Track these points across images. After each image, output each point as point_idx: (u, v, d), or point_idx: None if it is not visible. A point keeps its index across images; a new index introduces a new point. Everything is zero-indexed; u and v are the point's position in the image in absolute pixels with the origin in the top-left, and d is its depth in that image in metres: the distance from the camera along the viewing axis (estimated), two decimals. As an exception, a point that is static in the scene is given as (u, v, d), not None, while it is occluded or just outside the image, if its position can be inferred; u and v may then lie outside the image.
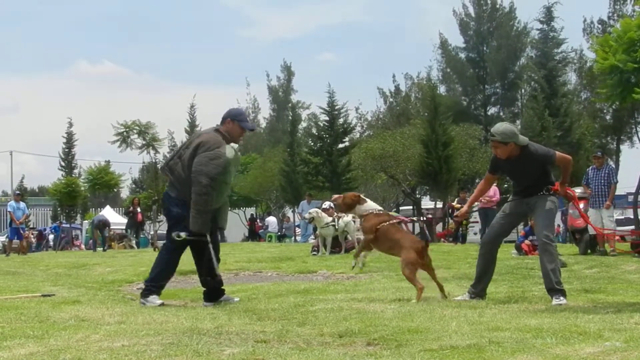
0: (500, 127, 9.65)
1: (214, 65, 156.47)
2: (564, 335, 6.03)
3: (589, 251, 19.09)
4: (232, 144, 10.08)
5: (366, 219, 10.14)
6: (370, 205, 10.36)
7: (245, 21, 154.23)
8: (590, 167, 19.85)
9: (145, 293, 9.87)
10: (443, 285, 9.93)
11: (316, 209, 21.96)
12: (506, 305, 8.71)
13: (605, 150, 48.09)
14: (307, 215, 21.19)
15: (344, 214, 22.12)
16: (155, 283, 9.99)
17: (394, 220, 10.19)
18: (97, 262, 19.75)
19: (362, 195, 10.57)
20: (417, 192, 64.16)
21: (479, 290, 9.73)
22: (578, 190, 18.83)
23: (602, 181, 19.00)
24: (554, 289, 9.26)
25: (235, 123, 10.15)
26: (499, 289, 10.58)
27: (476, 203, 26.37)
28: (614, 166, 38.32)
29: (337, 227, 21.16)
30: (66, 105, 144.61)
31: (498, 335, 6.09)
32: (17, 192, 39.79)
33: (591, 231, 18.86)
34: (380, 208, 10.52)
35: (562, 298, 9.16)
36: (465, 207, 11.19)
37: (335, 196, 10.74)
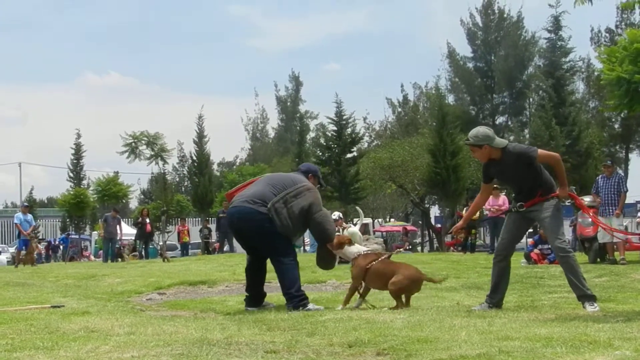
0: (473, 130, 9.77)
1: (222, 76, 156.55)
2: (574, 345, 6.01)
3: (598, 260, 19.04)
4: None
5: (354, 263, 10.23)
6: (356, 248, 10.50)
7: (252, 31, 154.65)
8: (600, 176, 19.80)
9: (304, 303, 10.20)
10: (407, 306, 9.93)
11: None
12: (516, 314, 8.69)
13: (614, 159, 48.03)
14: None
15: (350, 225, 22.12)
16: (302, 291, 10.44)
17: (384, 257, 10.26)
18: (107, 273, 19.73)
19: (352, 240, 10.81)
20: (425, 202, 64.18)
21: (496, 300, 9.74)
22: (587, 199, 18.80)
23: (612, 190, 18.94)
24: (585, 295, 9.33)
25: (316, 179, 11.08)
26: (508, 298, 10.55)
27: (485, 212, 26.40)
28: (623, 175, 38.28)
29: (341, 237, 21.03)
30: (74, 116, 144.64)
31: (508, 345, 6.08)
32: (25, 203, 39.83)
33: (600, 240, 18.82)
34: (366, 249, 10.75)
35: (595, 304, 9.25)
36: (460, 222, 11.19)
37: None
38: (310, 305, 10.10)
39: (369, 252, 10.52)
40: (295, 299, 10.15)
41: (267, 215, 10.16)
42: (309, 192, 10.40)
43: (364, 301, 10.20)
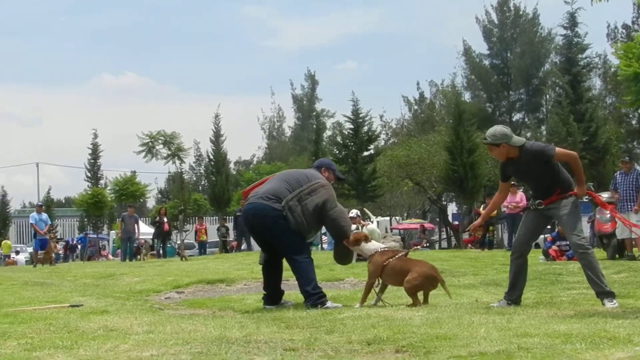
0: (491, 129, 9.79)
1: (238, 75, 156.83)
2: (594, 341, 6.00)
3: (616, 256, 18.99)
4: None
5: (371, 260, 10.27)
6: (374, 245, 10.57)
7: (268, 31, 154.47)
8: (618, 172, 19.74)
9: (322, 300, 10.20)
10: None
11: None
12: (535, 311, 8.67)
13: (631, 155, 47.87)
14: None
15: (368, 222, 22.13)
16: (319, 289, 10.46)
17: (401, 254, 10.30)
18: (125, 272, 19.76)
19: (369, 236, 10.97)
20: (443, 199, 64.12)
21: (515, 297, 9.74)
22: (605, 195, 18.74)
23: (630, 186, 18.87)
24: (604, 291, 9.31)
25: (330, 172, 11.09)
26: (527, 295, 10.52)
27: (503, 209, 26.33)
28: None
29: (359, 234, 21.06)
30: (91, 116, 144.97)
31: (527, 341, 6.06)
32: (39, 203, 39.91)
33: (619, 236, 18.75)
34: (384, 246, 10.76)
35: (614, 300, 9.23)
36: (479, 220, 11.26)
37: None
38: (328, 303, 10.09)
39: (386, 249, 10.54)
40: (314, 297, 10.16)
41: (281, 212, 10.20)
42: (323, 189, 10.44)
43: (381, 299, 10.24)
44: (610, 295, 9.31)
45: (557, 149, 9.65)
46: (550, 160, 9.49)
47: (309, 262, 10.41)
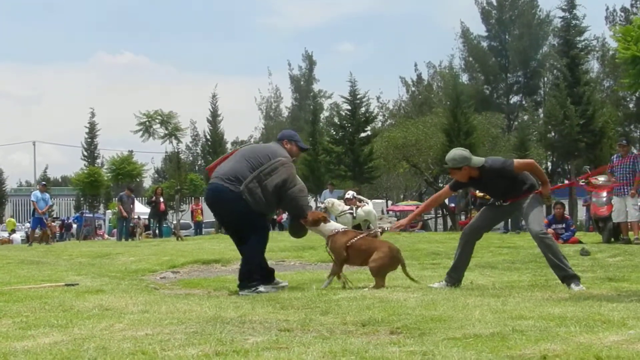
0: (450, 154, 10.13)
1: (236, 55, 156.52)
2: (588, 324, 6.00)
3: (612, 239, 19.02)
4: None
5: (332, 240, 10.37)
6: (333, 225, 10.73)
7: (266, 10, 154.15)
8: (615, 155, 19.71)
9: (254, 285, 10.13)
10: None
11: (332, 199, 21.98)
12: (529, 294, 8.69)
13: (628, 138, 47.91)
14: (321, 205, 21.35)
15: (365, 203, 22.13)
16: (258, 274, 10.35)
17: (362, 234, 10.50)
18: (121, 251, 19.76)
19: (327, 217, 11.08)
20: (439, 181, 64.14)
21: (456, 278, 10.18)
22: (602, 179, 18.76)
23: (627, 169, 18.85)
24: (568, 275, 9.57)
25: (293, 143, 10.90)
26: (522, 278, 10.55)
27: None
28: (638, 154, 38.03)
29: (354, 215, 21.09)
30: (88, 96, 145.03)
31: (521, 324, 6.07)
32: (43, 182, 39.77)
33: (615, 219, 18.76)
34: (342, 227, 10.89)
35: (580, 284, 9.50)
36: (405, 220, 11.72)
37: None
38: (261, 287, 10.07)
39: (346, 229, 10.69)
40: (247, 279, 10.18)
41: (241, 194, 10.11)
42: (283, 167, 10.31)
43: (342, 279, 10.32)
44: (576, 278, 9.58)
45: (516, 161, 10.07)
46: (512, 174, 9.73)
47: (262, 243, 10.43)
